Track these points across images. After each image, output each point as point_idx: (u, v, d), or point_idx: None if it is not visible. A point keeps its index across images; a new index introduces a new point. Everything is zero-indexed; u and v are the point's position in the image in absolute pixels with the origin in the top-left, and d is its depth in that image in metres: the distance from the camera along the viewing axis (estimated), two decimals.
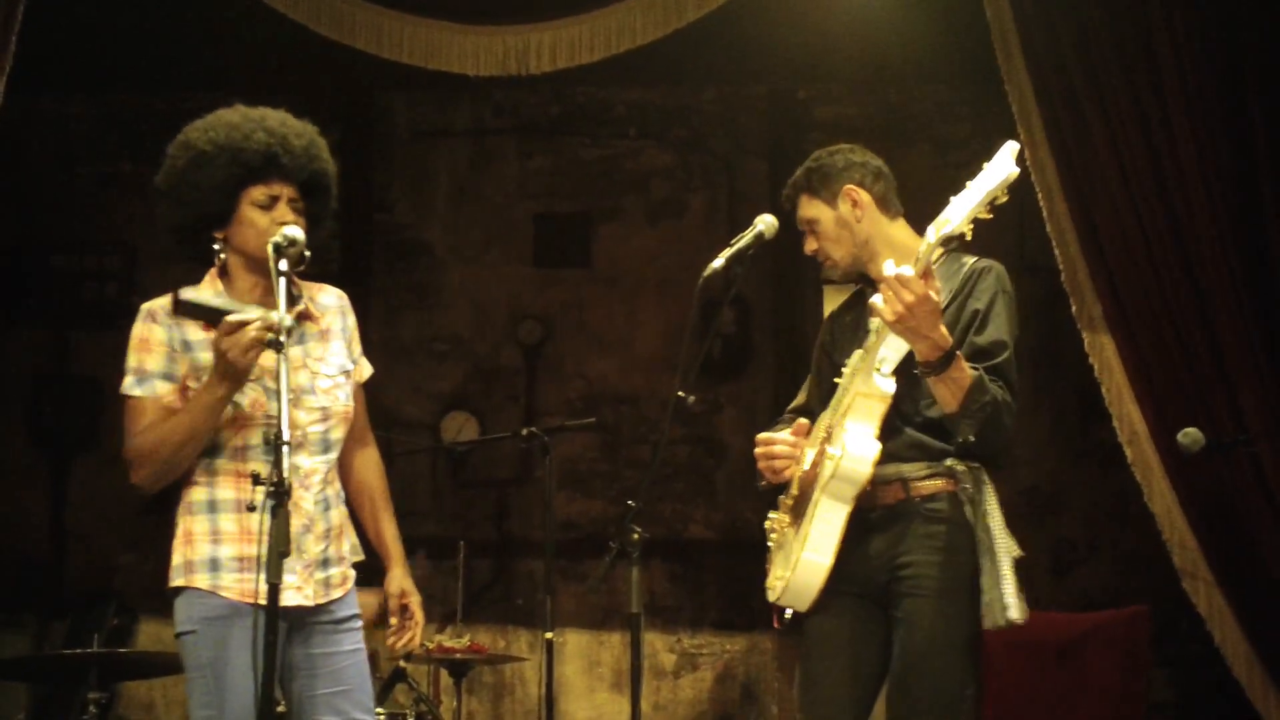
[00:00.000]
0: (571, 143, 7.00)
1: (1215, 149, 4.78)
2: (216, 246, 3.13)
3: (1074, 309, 4.92)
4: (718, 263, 3.39)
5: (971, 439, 3.20)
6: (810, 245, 3.52)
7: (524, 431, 5.42)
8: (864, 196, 3.47)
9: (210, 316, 2.97)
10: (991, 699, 5.42)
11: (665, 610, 6.64)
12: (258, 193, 3.09)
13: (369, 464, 3.38)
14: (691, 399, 3.36)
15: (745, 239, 3.43)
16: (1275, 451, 4.68)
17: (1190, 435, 4.19)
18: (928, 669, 3.24)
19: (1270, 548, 4.73)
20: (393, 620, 3.31)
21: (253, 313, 2.92)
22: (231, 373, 2.93)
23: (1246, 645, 4.77)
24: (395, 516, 3.39)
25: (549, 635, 5.09)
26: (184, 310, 3.00)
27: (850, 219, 3.46)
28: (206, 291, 3.11)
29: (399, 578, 3.32)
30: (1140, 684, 5.22)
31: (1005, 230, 6.46)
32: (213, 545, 3.05)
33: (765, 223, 3.47)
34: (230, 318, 2.91)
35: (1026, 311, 6.44)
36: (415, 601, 3.31)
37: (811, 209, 3.49)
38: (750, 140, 6.90)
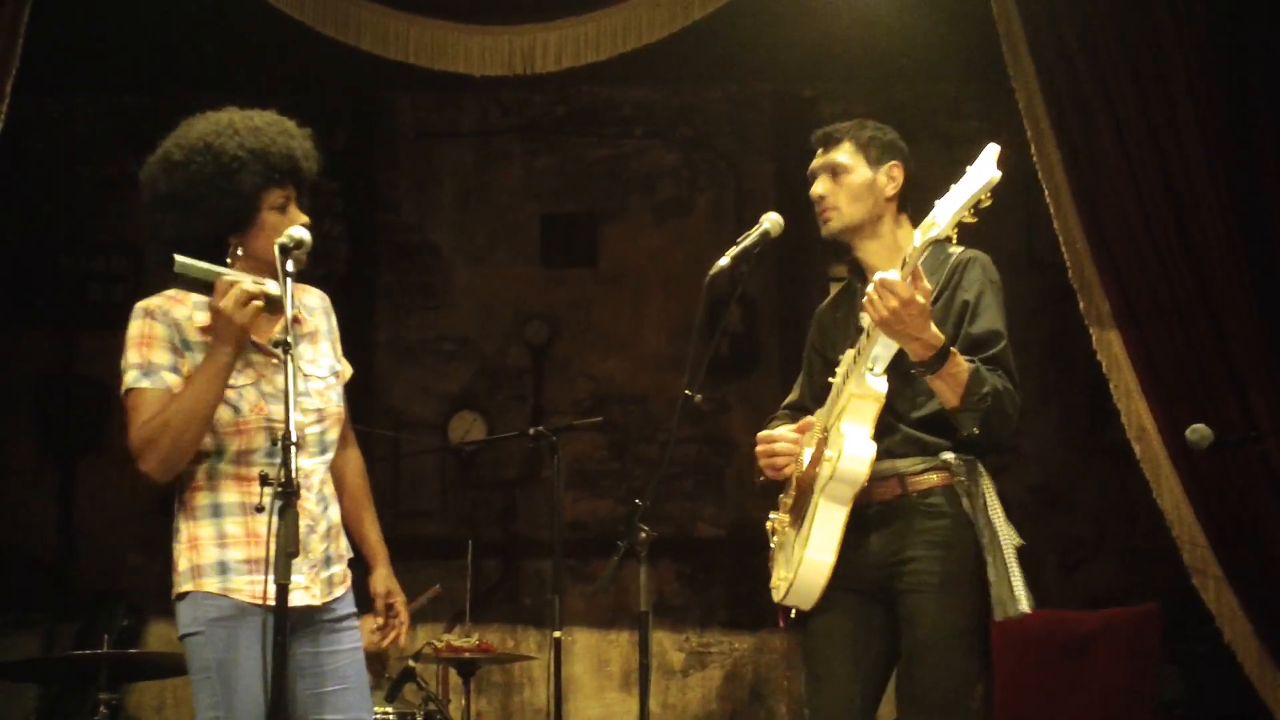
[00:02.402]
0: (577, 142, 7.00)
1: (1221, 147, 4.78)
2: (240, 253, 3.07)
3: (1082, 306, 4.91)
4: (724, 261, 3.38)
5: (976, 431, 3.21)
6: (822, 188, 3.48)
7: (531, 431, 5.40)
8: (900, 180, 3.48)
9: (206, 279, 2.97)
10: (1000, 696, 5.41)
11: (674, 609, 6.64)
12: (275, 196, 3.08)
13: (351, 464, 3.38)
14: (699, 398, 3.37)
15: (751, 237, 3.43)
16: None
17: (1199, 432, 4.18)
18: (933, 663, 3.25)
19: None
20: (378, 620, 3.33)
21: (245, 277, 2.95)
22: (231, 331, 2.93)
23: (1256, 642, 4.76)
24: (377, 515, 3.40)
25: (557, 634, 5.08)
26: (182, 270, 2.98)
27: (880, 190, 3.46)
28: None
29: (384, 577, 3.33)
30: (1149, 681, 5.21)
31: (1013, 227, 6.52)
32: (219, 549, 3.03)
33: (771, 221, 3.47)
34: (226, 277, 2.93)
35: (1034, 308, 6.52)
36: (400, 601, 3.33)
37: (850, 157, 3.48)
38: (756, 139, 6.90)
